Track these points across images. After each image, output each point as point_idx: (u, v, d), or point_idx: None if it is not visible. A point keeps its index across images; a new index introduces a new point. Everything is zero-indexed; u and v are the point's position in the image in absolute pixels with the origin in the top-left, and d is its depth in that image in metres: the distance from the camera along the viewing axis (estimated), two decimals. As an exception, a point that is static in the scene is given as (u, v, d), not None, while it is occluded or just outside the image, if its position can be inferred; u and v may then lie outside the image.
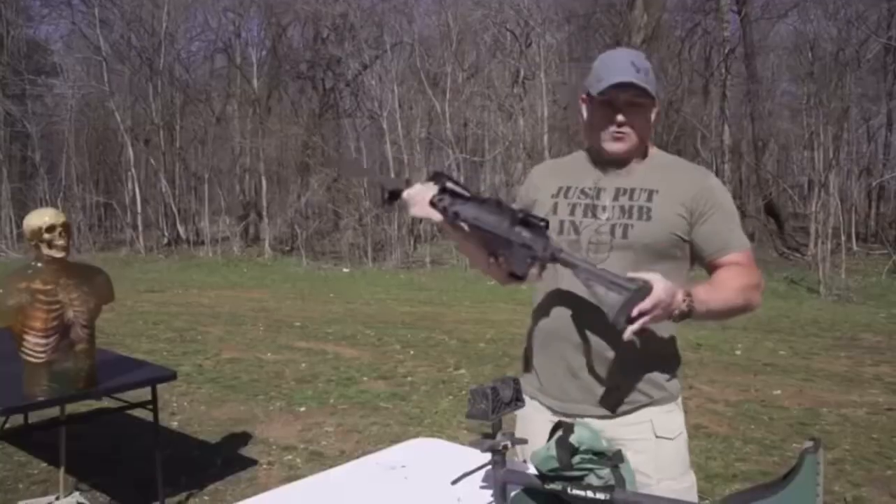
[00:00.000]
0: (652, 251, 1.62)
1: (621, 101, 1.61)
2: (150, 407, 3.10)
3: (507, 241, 1.48)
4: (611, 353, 1.63)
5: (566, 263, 1.48)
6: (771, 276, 12.44)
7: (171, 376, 3.11)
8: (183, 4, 21.80)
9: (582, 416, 1.57)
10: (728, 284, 1.59)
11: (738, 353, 6.82)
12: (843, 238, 13.48)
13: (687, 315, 1.49)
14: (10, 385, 2.75)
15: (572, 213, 1.70)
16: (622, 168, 1.69)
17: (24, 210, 23.33)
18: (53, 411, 3.25)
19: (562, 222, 1.70)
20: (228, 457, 4.09)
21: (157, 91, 20.82)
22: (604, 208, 1.67)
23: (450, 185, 1.52)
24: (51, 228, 2.67)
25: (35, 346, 2.66)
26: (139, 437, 4.24)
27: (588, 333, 1.64)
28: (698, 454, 3.93)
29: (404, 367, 6.36)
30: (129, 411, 3.21)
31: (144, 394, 3.12)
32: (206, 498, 3.52)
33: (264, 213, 19.50)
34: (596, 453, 1.27)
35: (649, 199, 1.64)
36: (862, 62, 14.85)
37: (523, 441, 1.42)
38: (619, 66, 1.61)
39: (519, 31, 18.37)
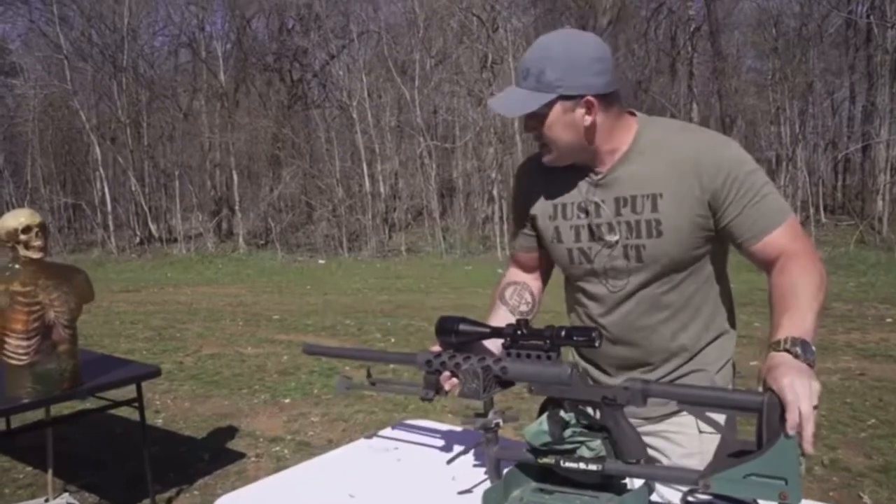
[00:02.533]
0: (671, 266, 1.47)
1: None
2: (136, 405, 3.09)
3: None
4: (660, 357, 1.56)
5: (661, 395, 1.22)
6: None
7: (155, 373, 3.10)
8: (144, -1, 21.47)
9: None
10: (805, 297, 1.30)
11: (713, 327, 6.94)
12: (811, 210, 13.76)
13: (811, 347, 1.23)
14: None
15: (577, 238, 1.54)
16: (611, 172, 1.48)
17: (-11, 214, 22.93)
18: (37, 414, 3.23)
19: (570, 251, 1.56)
20: (216, 451, 4.09)
21: (121, 88, 20.49)
22: (610, 227, 1.48)
23: (464, 327, 1.39)
24: (27, 229, 2.64)
25: (17, 348, 2.64)
26: (125, 436, 4.23)
27: (637, 339, 1.56)
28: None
29: (386, 355, 6.38)
30: (114, 411, 3.19)
31: (129, 392, 3.10)
32: (195, 493, 3.52)
33: (237, 208, 19.35)
34: (586, 426, 1.30)
35: (654, 207, 1.43)
36: (824, 37, 15.07)
37: (514, 418, 1.45)
38: (515, 75, 1.44)
39: (485, 16, 18.35)
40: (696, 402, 1.16)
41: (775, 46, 14.90)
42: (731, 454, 1.13)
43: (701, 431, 1.51)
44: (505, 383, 1.37)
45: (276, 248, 17.00)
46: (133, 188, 20.58)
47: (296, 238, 18.50)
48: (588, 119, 1.42)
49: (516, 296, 1.71)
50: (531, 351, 1.31)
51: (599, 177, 1.49)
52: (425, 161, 17.24)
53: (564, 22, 20.47)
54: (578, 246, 1.54)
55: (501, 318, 1.64)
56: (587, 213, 1.51)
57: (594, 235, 1.51)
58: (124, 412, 3.32)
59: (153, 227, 20.54)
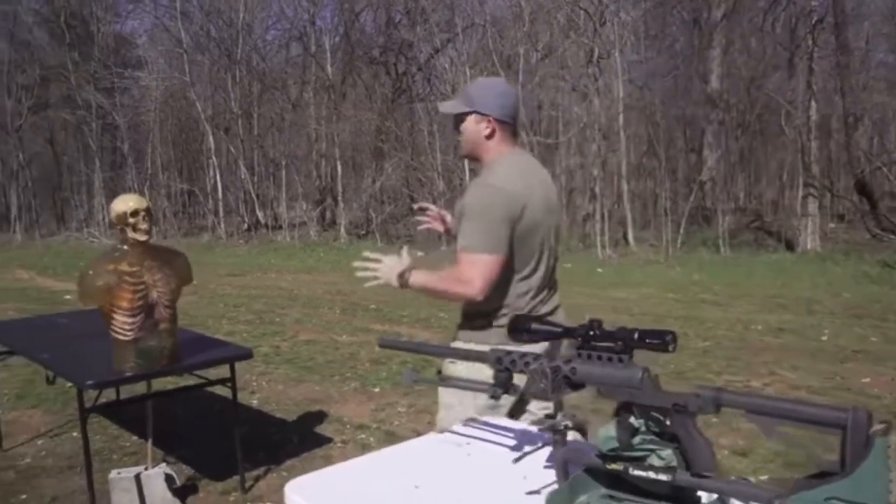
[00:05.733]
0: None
1: None
2: (229, 384, 3.22)
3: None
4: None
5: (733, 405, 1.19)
6: (862, 259, 11.88)
7: (247, 355, 3.22)
8: (259, -5, 22.33)
9: None
10: (440, 275, 2.15)
11: (824, 338, 6.56)
12: (940, 218, 12.75)
13: (406, 285, 2.11)
14: (101, 361, 2.92)
15: None
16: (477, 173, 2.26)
17: (114, 198, 24.52)
18: (141, 388, 3.42)
19: None
20: (304, 434, 4.22)
21: (235, 80, 21.42)
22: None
23: (535, 325, 1.41)
24: (135, 213, 2.80)
25: (123, 324, 2.81)
26: (221, 414, 4.43)
27: None
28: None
29: (476, 349, 6.39)
30: (212, 389, 3.34)
31: (225, 371, 3.24)
32: (283, 473, 3.63)
33: (340, 198, 19.85)
34: (657, 433, 1.25)
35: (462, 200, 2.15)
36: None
37: (585, 421, 1.41)
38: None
39: (593, 10, 18.00)
40: (770, 414, 1.10)
41: (908, 40, 13.86)
42: (812, 475, 1.06)
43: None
44: (574, 385, 1.34)
45: (377, 239, 17.33)
46: (243, 176, 21.49)
47: (396, 230, 18.80)
48: (486, 131, 2.16)
49: None
50: (602, 353, 1.28)
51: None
52: (532, 152, 17.11)
53: (676, 15, 19.82)
54: None
55: None
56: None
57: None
58: (222, 391, 3.46)
59: (260, 215, 21.38)
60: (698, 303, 9.06)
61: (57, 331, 3.82)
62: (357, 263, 2.13)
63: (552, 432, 1.36)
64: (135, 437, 4.20)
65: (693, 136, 18.70)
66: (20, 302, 9.51)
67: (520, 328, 1.43)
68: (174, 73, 22.65)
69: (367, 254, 2.15)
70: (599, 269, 12.92)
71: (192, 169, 24.70)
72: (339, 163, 20.17)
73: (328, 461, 3.76)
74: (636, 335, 1.24)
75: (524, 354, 1.38)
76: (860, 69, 16.22)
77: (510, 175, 2.17)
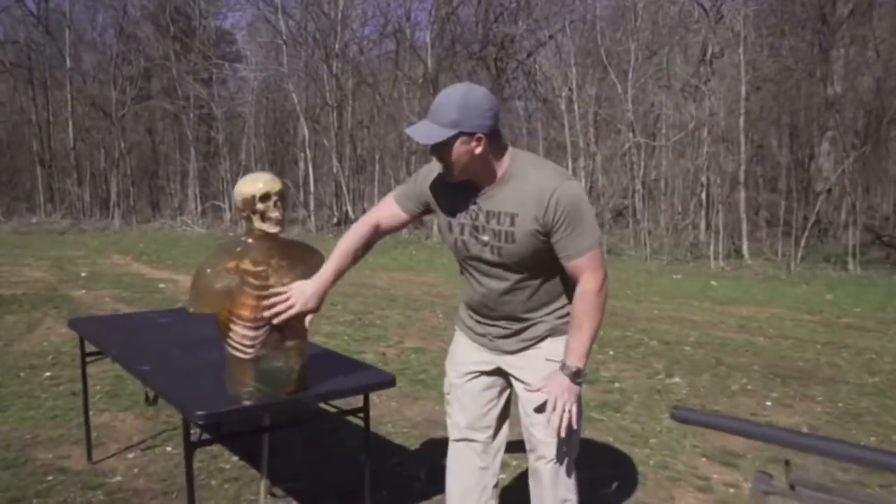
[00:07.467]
0: (522, 263, 2.09)
1: None
2: (361, 415, 2.60)
3: None
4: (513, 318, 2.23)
5: None
6: None
7: (389, 382, 2.59)
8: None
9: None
10: (582, 319, 2.06)
11: None
12: None
13: (582, 373, 2.08)
14: (211, 379, 2.33)
15: (462, 232, 2.15)
16: (489, 191, 2.07)
17: (207, 188, 24.78)
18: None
19: (455, 240, 2.18)
20: (433, 468, 3.54)
21: (330, 73, 21.19)
22: (483, 229, 2.10)
23: None
24: (265, 197, 2.20)
25: (243, 338, 2.20)
26: (337, 440, 3.84)
27: (499, 307, 2.22)
28: None
29: (607, 369, 5.63)
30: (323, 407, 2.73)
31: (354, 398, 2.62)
32: (413, 521, 3.01)
33: (432, 196, 19.30)
34: None
35: (512, 223, 2.03)
36: None
37: None
38: (429, 112, 2.03)
39: (709, 4, 16.89)
40: None
41: None
42: None
43: (547, 359, 2.17)
44: None
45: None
46: (334, 170, 21.24)
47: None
48: (479, 150, 2.00)
49: (362, 247, 2.31)
50: None
51: (482, 194, 2.09)
52: (633, 158, 16.12)
53: (798, 12, 18.45)
54: (462, 238, 2.17)
55: (347, 247, 2.30)
56: (472, 217, 2.12)
57: (473, 233, 2.13)
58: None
59: (350, 209, 21.08)
60: (843, 328, 8.02)
61: (157, 333, 3.29)
62: (550, 422, 2.08)
63: None
64: (235, 458, 3.65)
65: (807, 142, 17.33)
66: (116, 288, 9.29)
67: None
68: (272, 65, 22.64)
69: (555, 413, 2.07)
70: (713, 283, 11.88)
71: (283, 161, 24.71)
72: (433, 159, 19.64)
73: (467, 510, 3.08)
74: None
75: None
76: None
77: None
